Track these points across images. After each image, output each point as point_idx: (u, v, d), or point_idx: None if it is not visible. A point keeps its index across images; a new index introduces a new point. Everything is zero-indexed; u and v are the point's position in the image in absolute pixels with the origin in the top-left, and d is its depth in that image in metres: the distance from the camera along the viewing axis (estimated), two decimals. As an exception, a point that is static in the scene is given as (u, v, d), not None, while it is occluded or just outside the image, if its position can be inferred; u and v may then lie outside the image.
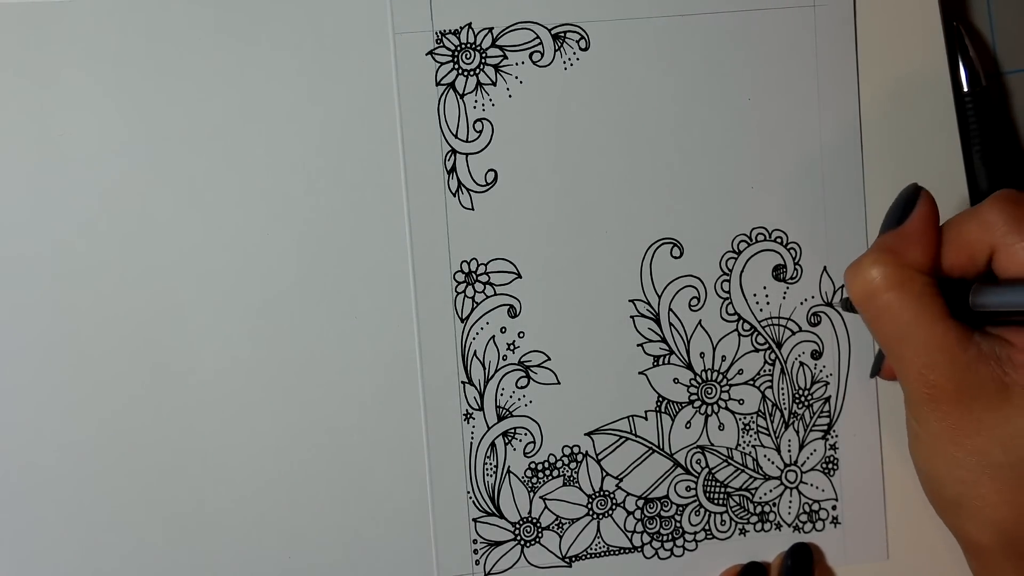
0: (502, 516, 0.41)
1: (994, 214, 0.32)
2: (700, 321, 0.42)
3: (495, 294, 0.40)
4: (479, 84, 0.40)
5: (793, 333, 0.42)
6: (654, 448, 0.42)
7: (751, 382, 0.42)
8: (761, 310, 0.42)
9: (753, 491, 0.42)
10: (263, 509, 0.40)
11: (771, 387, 0.42)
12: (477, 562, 0.41)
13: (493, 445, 0.41)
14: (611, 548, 0.42)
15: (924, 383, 0.32)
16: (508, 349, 0.41)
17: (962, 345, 0.31)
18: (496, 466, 0.41)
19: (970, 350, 0.31)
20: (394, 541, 0.40)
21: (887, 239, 0.33)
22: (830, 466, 0.42)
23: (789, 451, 0.42)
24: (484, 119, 0.40)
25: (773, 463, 0.42)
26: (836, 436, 0.42)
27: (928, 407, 0.32)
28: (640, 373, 0.41)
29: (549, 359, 0.41)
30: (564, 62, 0.40)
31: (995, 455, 0.31)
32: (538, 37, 0.40)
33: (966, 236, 0.33)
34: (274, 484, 0.40)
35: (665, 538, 0.42)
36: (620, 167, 0.41)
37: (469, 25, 0.40)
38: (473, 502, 0.41)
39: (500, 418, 0.41)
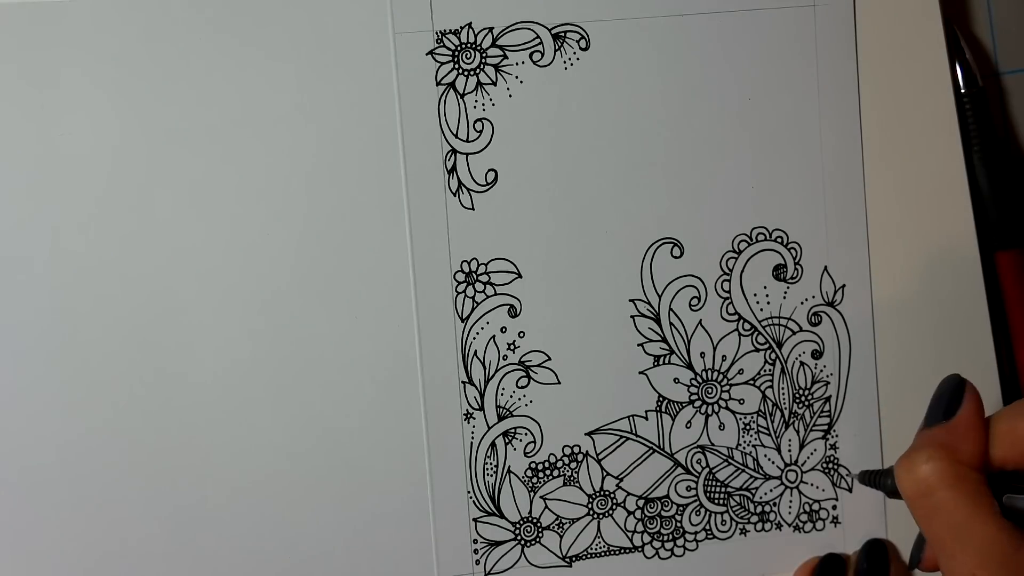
0: (502, 516, 0.41)
1: None
2: (700, 321, 0.42)
3: (495, 294, 0.40)
4: (479, 84, 0.40)
5: (793, 333, 0.42)
6: (654, 448, 0.42)
7: (751, 382, 0.42)
8: (761, 310, 0.42)
9: (753, 491, 0.42)
10: (263, 509, 0.40)
11: (771, 387, 0.42)
12: (477, 562, 0.41)
13: (493, 445, 0.41)
14: (611, 548, 0.42)
15: None
16: (508, 349, 0.41)
17: (1013, 545, 0.31)
18: (496, 466, 0.41)
19: (1021, 552, 0.31)
20: (394, 541, 0.40)
21: (938, 434, 0.32)
22: (830, 466, 0.42)
23: (789, 451, 0.42)
24: (484, 119, 0.40)
25: (773, 463, 0.42)
26: (836, 436, 0.42)
27: None
28: (640, 373, 0.41)
29: (549, 359, 0.41)
30: (564, 62, 0.40)
31: None
32: (538, 37, 0.40)
33: (1019, 432, 0.32)
34: (274, 484, 0.40)
35: (665, 538, 0.42)
36: (620, 167, 0.41)
37: (469, 25, 0.40)
38: (473, 502, 0.41)
39: (500, 418, 0.41)
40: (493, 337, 0.41)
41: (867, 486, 0.37)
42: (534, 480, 0.41)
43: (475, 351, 0.40)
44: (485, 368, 0.40)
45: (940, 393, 0.34)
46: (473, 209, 0.40)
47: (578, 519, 0.41)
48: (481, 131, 0.40)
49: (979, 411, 0.33)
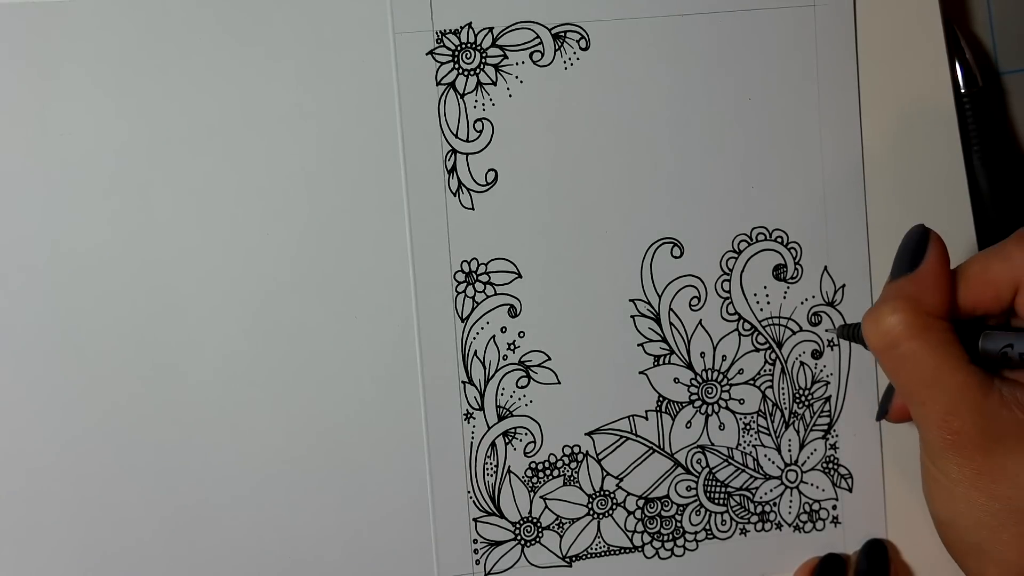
0: (502, 516, 0.41)
1: (1020, 251, 0.32)
2: (700, 321, 0.42)
3: (495, 294, 0.40)
4: (479, 84, 0.40)
5: (793, 333, 0.42)
6: (654, 448, 0.42)
7: (751, 382, 0.42)
8: (761, 310, 0.42)
9: (753, 491, 0.42)
10: (263, 509, 0.40)
11: (771, 387, 0.42)
12: (477, 562, 0.41)
13: (493, 445, 0.41)
14: (611, 548, 0.42)
15: (947, 429, 0.31)
16: (508, 349, 0.41)
17: (984, 391, 0.31)
18: (496, 466, 0.41)
19: (991, 396, 0.31)
20: (394, 541, 0.40)
21: (903, 285, 0.33)
22: (830, 466, 0.42)
23: (789, 451, 0.42)
24: (484, 119, 0.40)
25: (773, 463, 0.42)
26: (836, 436, 0.42)
27: (950, 453, 0.31)
28: (640, 373, 0.41)
29: (549, 359, 0.41)
30: (564, 62, 0.40)
31: (1019, 500, 0.31)
32: (538, 37, 0.40)
33: (991, 274, 0.32)
34: (274, 484, 0.40)
35: (665, 538, 0.42)
36: (620, 167, 0.41)
37: (469, 25, 0.40)
38: (473, 502, 0.41)
39: (500, 418, 0.41)
40: (493, 337, 0.41)
41: (845, 339, 0.37)
42: (534, 480, 0.41)
43: (475, 351, 0.40)
44: (485, 368, 0.40)
45: (905, 245, 0.34)
46: (473, 209, 0.40)
47: (578, 519, 0.41)
48: (481, 131, 0.40)
49: (943, 260, 0.33)
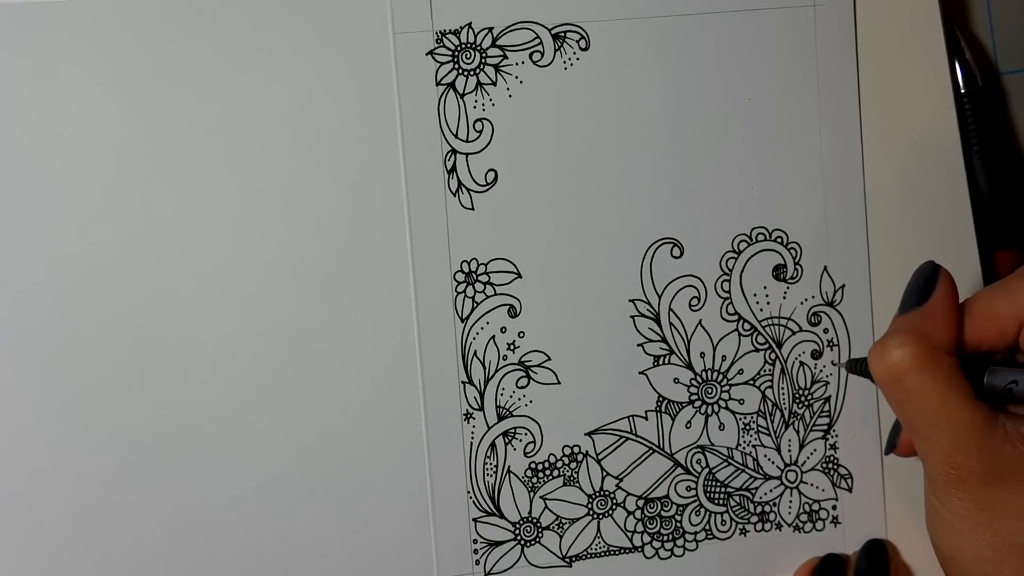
0: (502, 516, 0.41)
1: (1023, 287, 0.32)
2: (700, 321, 0.42)
3: (495, 294, 0.40)
4: (479, 84, 0.40)
5: (793, 333, 0.42)
6: (654, 448, 0.42)
7: (751, 382, 0.42)
8: (761, 310, 0.42)
9: (753, 491, 0.42)
10: (263, 509, 0.40)
11: (771, 387, 0.42)
12: (477, 562, 0.41)
13: (493, 445, 0.41)
14: (611, 548, 0.42)
15: (951, 464, 0.31)
16: (508, 349, 0.41)
17: (988, 427, 0.31)
18: (496, 466, 0.41)
19: (996, 432, 0.31)
20: (394, 541, 0.40)
21: (911, 319, 0.33)
22: (830, 466, 0.42)
23: (789, 451, 0.42)
24: (484, 119, 0.40)
25: (773, 463, 0.42)
26: (836, 436, 0.42)
27: (953, 488, 0.31)
28: (640, 373, 0.41)
29: (549, 359, 0.41)
30: (564, 62, 0.40)
31: (1021, 536, 0.31)
32: (538, 37, 0.40)
33: (995, 310, 0.32)
34: (274, 484, 0.40)
35: (665, 538, 0.42)
36: (620, 167, 0.41)
37: (469, 25, 0.40)
38: (473, 502, 0.41)
39: (500, 418, 0.41)
40: (493, 337, 0.41)
41: (853, 373, 0.37)
42: (534, 480, 0.41)
43: (475, 351, 0.40)
44: (485, 368, 0.40)
45: (914, 280, 0.34)
46: (473, 209, 0.40)
47: (578, 519, 0.41)
48: (481, 131, 0.40)
49: (952, 295, 0.33)
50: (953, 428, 0.31)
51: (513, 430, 0.41)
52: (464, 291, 0.40)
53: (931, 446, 0.32)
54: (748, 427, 0.42)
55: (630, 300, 0.41)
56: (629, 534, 0.42)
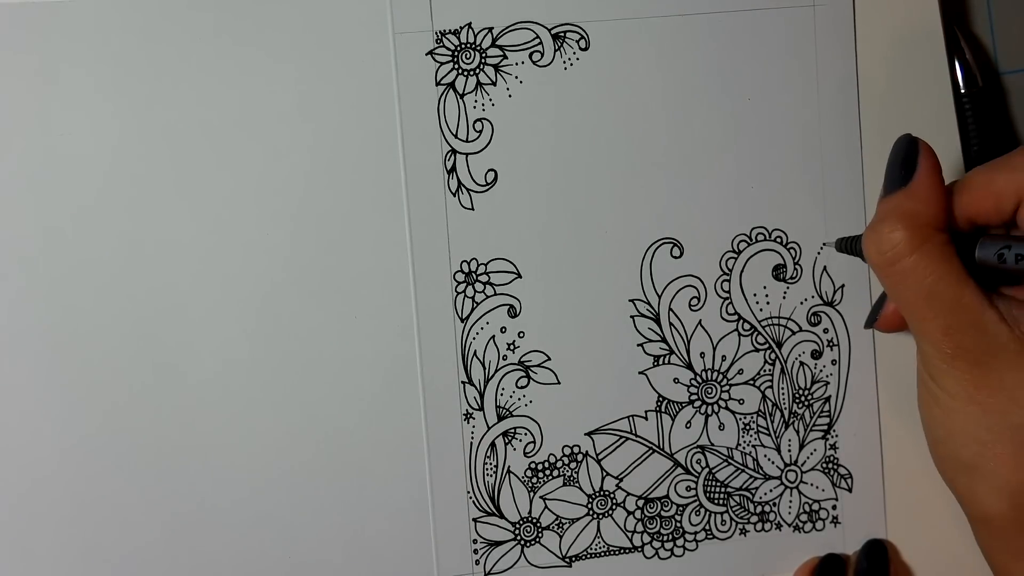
0: (502, 516, 0.41)
1: None
2: (700, 321, 0.42)
3: (495, 294, 0.40)
4: (479, 84, 0.40)
5: (793, 333, 0.42)
6: (654, 448, 0.42)
7: (751, 382, 0.42)
8: (761, 310, 0.42)
9: (753, 491, 0.42)
10: (263, 509, 0.40)
11: (771, 387, 0.42)
12: (477, 562, 0.41)
13: (493, 445, 0.41)
14: (611, 548, 0.42)
15: (946, 343, 0.32)
16: (508, 349, 0.41)
17: (982, 306, 0.31)
18: (496, 466, 0.41)
19: (990, 310, 0.31)
20: (394, 541, 0.40)
21: (900, 200, 0.33)
22: (830, 466, 0.42)
23: (789, 451, 0.42)
24: (484, 119, 0.40)
25: (773, 463, 0.42)
26: (836, 436, 0.42)
27: (948, 366, 0.32)
28: (640, 373, 0.41)
29: (549, 359, 0.41)
30: (564, 62, 0.40)
31: (1015, 416, 0.31)
32: (538, 37, 0.40)
33: (995, 184, 0.32)
34: (274, 484, 0.40)
35: (665, 538, 0.42)
36: (620, 167, 0.41)
37: (469, 25, 0.40)
38: (473, 502, 0.41)
39: (500, 418, 0.41)
40: (493, 337, 0.41)
41: (844, 253, 0.37)
42: (534, 480, 0.41)
43: (475, 351, 0.40)
44: (485, 368, 0.40)
45: (894, 157, 0.34)
46: (473, 209, 0.40)
47: (578, 519, 0.41)
48: (481, 131, 0.40)
49: (937, 169, 0.33)
50: (948, 307, 0.31)
51: (513, 430, 0.41)
52: (464, 291, 0.40)
53: (927, 326, 0.32)
54: (748, 427, 0.42)
55: (630, 300, 0.41)
56: (629, 534, 0.42)
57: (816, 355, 0.42)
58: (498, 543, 0.41)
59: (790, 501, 0.42)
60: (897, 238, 0.32)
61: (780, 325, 0.42)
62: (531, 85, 0.40)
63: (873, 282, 0.42)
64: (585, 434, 0.41)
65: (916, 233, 0.32)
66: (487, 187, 0.40)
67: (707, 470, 0.42)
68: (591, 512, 0.41)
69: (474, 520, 0.41)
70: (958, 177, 0.42)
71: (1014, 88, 0.45)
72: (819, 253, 0.42)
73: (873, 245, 0.33)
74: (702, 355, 0.42)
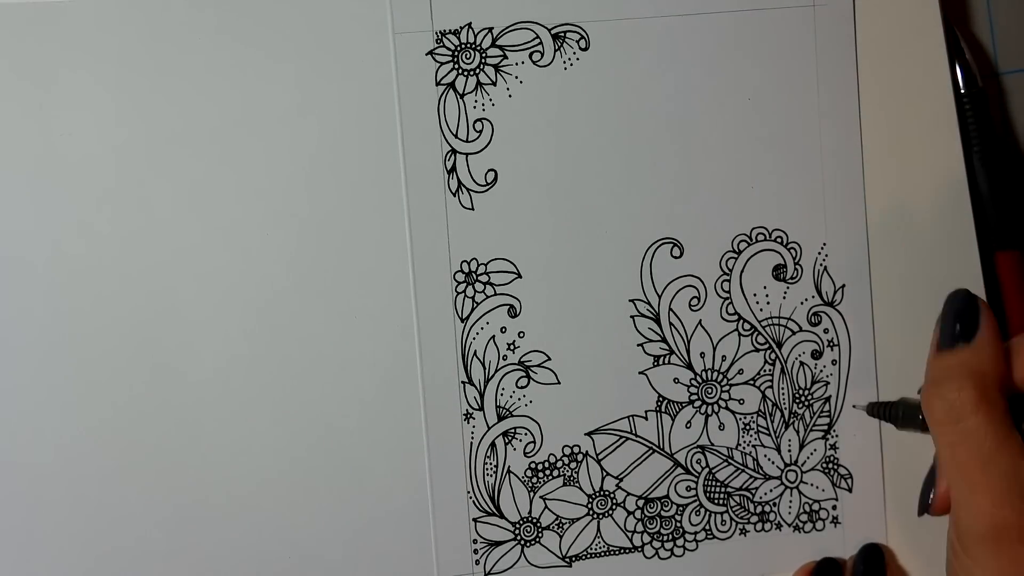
0: (502, 516, 0.41)
1: None
2: (700, 321, 0.42)
3: (495, 294, 0.40)
4: (479, 84, 0.40)
5: (793, 333, 0.42)
6: (654, 448, 0.42)
7: (751, 382, 0.42)
8: (761, 310, 0.42)
9: (753, 491, 0.42)
10: (263, 509, 0.40)
11: (771, 387, 0.42)
12: (477, 562, 0.41)
13: (493, 445, 0.41)
14: (611, 548, 0.42)
15: (994, 517, 0.30)
16: (508, 349, 0.41)
17: None
18: (496, 466, 0.41)
19: None
20: (394, 541, 0.40)
21: (967, 357, 0.31)
22: (830, 466, 0.42)
23: (789, 451, 0.42)
24: (484, 119, 0.40)
25: (773, 463, 0.42)
26: (836, 436, 0.42)
27: (990, 543, 0.30)
28: (640, 373, 0.41)
29: (549, 359, 0.41)
30: (564, 62, 0.40)
31: None
32: (538, 37, 0.40)
33: None
34: (274, 484, 0.40)
35: (665, 538, 0.42)
36: (620, 167, 0.41)
37: (469, 25, 0.40)
38: (473, 502, 0.41)
39: (500, 418, 0.41)
40: (493, 337, 0.41)
41: (876, 418, 0.36)
42: (534, 480, 0.41)
43: (475, 351, 0.40)
44: (485, 368, 0.40)
45: (950, 311, 0.32)
46: (473, 209, 0.40)
47: (578, 519, 0.41)
48: (481, 131, 0.40)
49: (998, 331, 0.32)
50: (1004, 475, 0.30)
51: (513, 430, 0.41)
52: (464, 291, 0.40)
53: (976, 494, 0.30)
54: (748, 427, 0.42)
55: (630, 300, 0.41)
56: (629, 534, 0.42)
57: (816, 355, 0.42)
58: (498, 543, 0.41)
59: (790, 501, 0.42)
60: (965, 398, 0.30)
61: (780, 325, 0.42)
62: (531, 85, 0.40)
63: (874, 285, 0.42)
64: (585, 434, 0.41)
65: (983, 394, 0.30)
66: (487, 187, 0.40)
67: (707, 470, 0.42)
68: (591, 512, 0.41)
69: (474, 520, 0.41)
70: (961, 191, 0.42)
71: (1014, 88, 0.45)
72: (820, 253, 0.42)
73: (937, 400, 0.31)
74: (702, 355, 0.42)
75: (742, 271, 0.42)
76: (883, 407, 0.36)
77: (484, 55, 0.40)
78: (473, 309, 0.40)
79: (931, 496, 0.35)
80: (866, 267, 0.42)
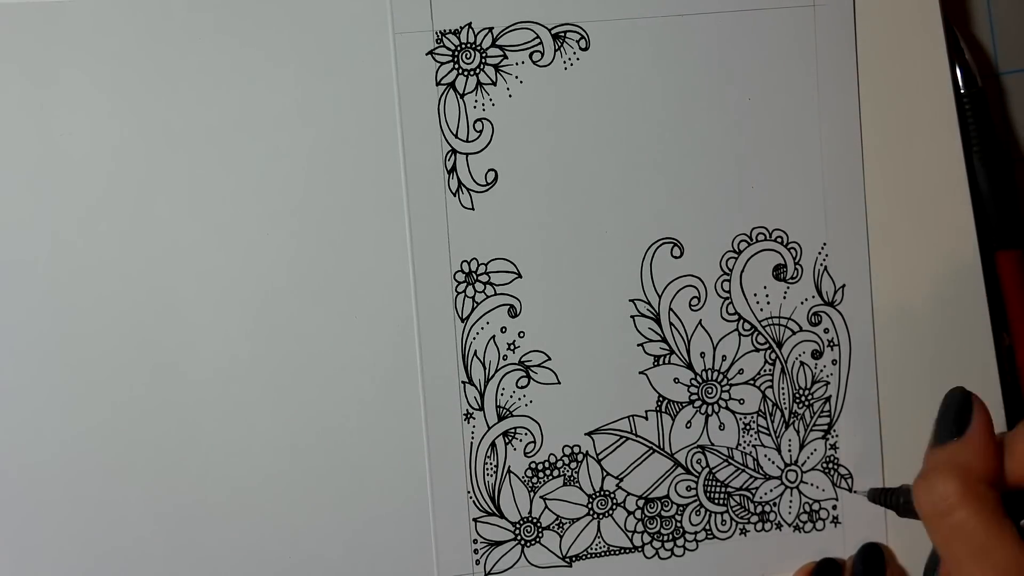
0: (502, 516, 0.41)
1: None
2: (700, 321, 0.42)
3: (495, 294, 0.40)
4: (479, 84, 0.40)
5: (793, 333, 0.42)
6: (654, 448, 0.42)
7: (751, 382, 0.42)
8: (761, 310, 0.42)
9: (753, 491, 0.42)
10: (263, 509, 0.40)
11: (771, 387, 0.42)
12: (477, 562, 0.41)
13: (493, 445, 0.41)
14: (611, 548, 0.42)
15: None
16: (508, 349, 0.41)
17: None
18: (496, 466, 0.41)
19: None
20: (394, 541, 0.40)
21: (954, 452, 0.32)
22: (830, 466, 0.42)
23: (789, 451, 0.42)
24: (484, 119, 0.40)
25: (773, 463, 0.42)
26: (836, 436, 0.42)
27: None
28: (640, 373, 0.41)
29: (549, 359, 0.41)
30: (564, 62, 0.40)
31: None
32: (538, 37, 0.40)
33: None
34: (274, 484, 0.40)
35: (665, 538, 0.42)
36: (620, 167, 0.41)
37: (469, 25, 0.40)
38: (473, 502, 0.41)
39: (500, 418, 0.41)
40: (493, 337, 0.41)
41: (878, 504, 0.36)
42: (534, 480, 0.41)
43: (475, 351, 0.40)
44: (485, 368, 0.40)
45: (946, 408, 0.33)
46: (473, 209, 0.40)
47: (578, 519, 0.41)
48: (481, 131, 0.40)
49: (990, 426, 0.32)
50: (998, 568, 0.30)
51: (513, 430, 0.41)
52: (464, 291, 0.40)
53: None
54: (748, 427, 0.42)
55: (630, 300, 0.41)
56: (629, 534, 0.42)
57: (816, 355, 0.42)
58: (498, 543, 0.41)
59: (790, 501, 0.42)
60: (950, 490, 0.31)
61: (780, 325, 0.42)
62: (531, 85, 0.40)
63: (874, 285, 0.42)
64: (585, 434, 0.41)
65: (971, 488, 0.31)
66: (487, 187, 0.40)
67: (707, 470, 0.42)
68: (591, 512, 0.41)
69: (474, 520, 0.41)
70: (961, 191, 0.42)
71: (1014, 88, 0.45)
72: (820, 253, 0.42)
73: (925, 495, 0.31)
74: (702, 355, 0.42)
75: (742, 271, 0.42)
76: (884, 494, 0.36)
77: (484, 55, 0.40)
78: (473, 309, 0.40)
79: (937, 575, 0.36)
80: (866, 267, 0.42)
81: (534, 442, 0.41)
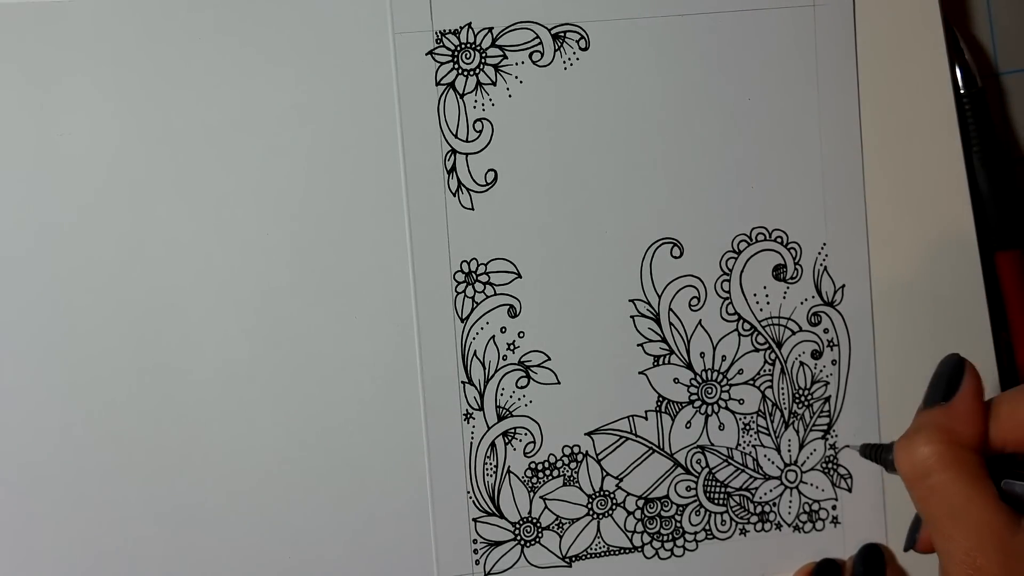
0: (502, 516, 0.41)
1: None
2: (700, 321, 0.42)
3: (495, 294, 0.40)
4: (479, 84, 0.40)
5: (793, 333, 0.42)
6: (654, 448, 0.42)
7: (751, 382, 0.42)
8: (761, 310, 0.42)
9: (753, 491, 0.42)
10: (263, 509, 0.40)
11: (771, 387, 0.42)
12: (477, 562, 0.41)
13: (493, 445, 0.41)
14: (611, 548, 0.42)
15: (970, 565, 0.31)
16: (508, 349, 0.41)
17: (1011, 530, 0.31)
18: (496, 466, 0.41)
19: (1018, 535, 0.31)
20: (394, 541, 0.40)
21: (937, 416, 0.32)
22: (830, 466, 0.42)
23: (789, 451, 0.42)
24: (484, 119, 0.40)
25: (773, 463, 0.42)
26: (836, 436, 0.42)
27: None
28: (640, 373, 0.41)
29: (549, 359, 0.41)
30: (564, 62, 0.40)
31: None
32: (538, 37, 0.40)
33: (1020, 415, 0.32)
34: (274, 484, 0.40)
35: (665, 538, 0.42)
36: (620, 167, 0.41)
37: (469, 25, 0.40)
38: (473, 502, 0.41)
39: (500, 418, 0.41)
40: (493, 337, 0.41)
41: (867, 459, 0.37)
42: (534, 480, 0.41)
43: (475, 351, 0.40)
44: (485, 368, 0.40)
45: (939, 373, 0.34)
46: (473, 209, 0.40)
47: (578, 519, 0.41)
48: (481, 131, 0.40)
49: (978, 393, 0.33)
50: (975, 528, 0.31)
51: (513, 430, 0.41)
52: (464, 291, 0.40)
53: (952, 545, 0.31)
54: (748, 427, 0.42)
55: (630, 300, 0.41)
56: (629, 534, 0.42)
57: (816, 355, 0.42)
58: (498, 543, 0.41)
59: (790, 501, 0.42)
60: (930, 452, 0.31)
61: (780, 325, 0.42)
62: (531, 85, 0.40)
63: (874, 285, 0.42)
64: (585, 434, 0.41)
65: (949, 450, 0.31)
66: (487, 187, 0.40)
67: (707, 470, 0.42)
68: (591, 512, 0.41)
69: (474, 520, 0.41)
70: (961, 191, 0.42)
71: (1014, 88, 0.45)
72: (819, 253, 0.42)
73: (905, 456, 0.32)
74: (702, 355, 0.42)
75: (742, 271, 0.42)
76: (875, 449, 0.36)
77: (484, 55, 0.40)
78: (473, 309, 0.40)
79: (918, 535, 0.37)
80: (866, 267, 0.42)
81: (534, 442, 0.41)
